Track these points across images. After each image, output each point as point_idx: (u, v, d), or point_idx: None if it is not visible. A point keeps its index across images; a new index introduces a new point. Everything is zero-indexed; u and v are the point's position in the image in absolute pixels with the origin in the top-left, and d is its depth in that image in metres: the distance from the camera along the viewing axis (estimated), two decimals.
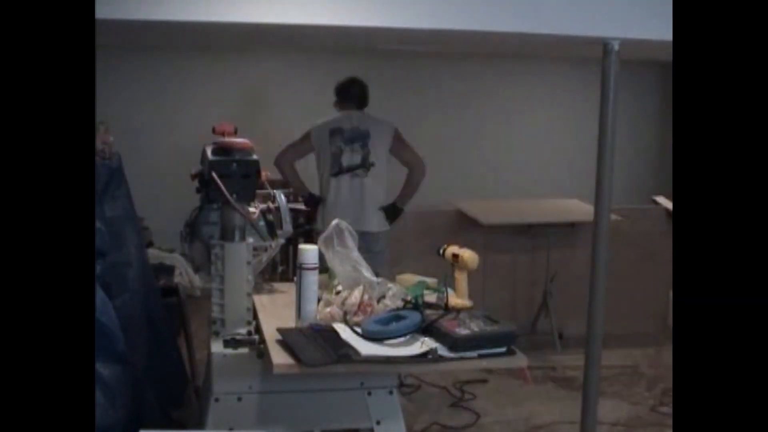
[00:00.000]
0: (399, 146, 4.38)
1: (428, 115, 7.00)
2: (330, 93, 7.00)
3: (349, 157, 4.28)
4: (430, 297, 2.70)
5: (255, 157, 2.60)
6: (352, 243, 2.73)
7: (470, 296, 2.80)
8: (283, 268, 3.52)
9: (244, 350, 2.47)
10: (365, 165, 4.27)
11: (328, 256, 2.71)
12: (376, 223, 4.31)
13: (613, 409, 4.05)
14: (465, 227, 5.09)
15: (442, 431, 3.81)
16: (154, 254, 5.20)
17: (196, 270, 2.78)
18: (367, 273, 2.66)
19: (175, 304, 4.96)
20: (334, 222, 2.77)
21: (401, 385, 3.96)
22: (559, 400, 4.14)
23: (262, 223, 2.72)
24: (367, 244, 4.18)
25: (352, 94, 4.43)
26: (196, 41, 6.05)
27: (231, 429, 2.41)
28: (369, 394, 2.48)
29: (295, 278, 2.61)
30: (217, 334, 2.58)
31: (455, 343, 2.27)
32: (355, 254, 2.72)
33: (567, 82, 7.30)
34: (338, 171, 4.29)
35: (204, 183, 2.61)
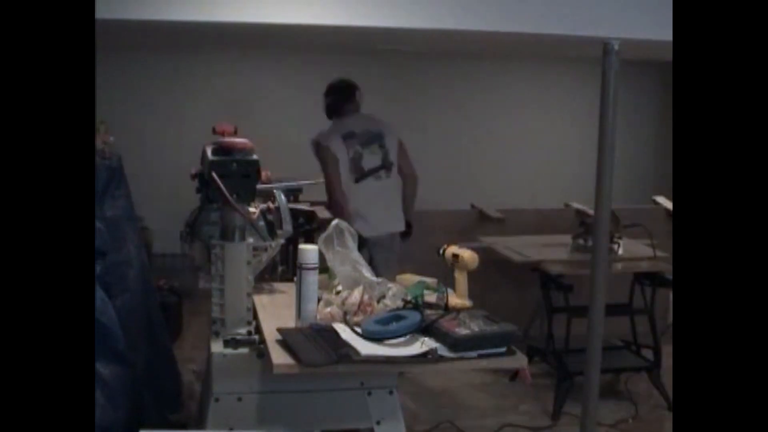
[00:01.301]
0: (401, 152, 4.33)
1: (428, 115, 7.00)
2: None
3: (370, 160, 4.21)
4: (430, 297, 2.70)
5: (255, 157, 2.60)
6: (352, 243, 2.74)
7: (470, 298, 2.80)
8: (283, 268, 3.52)
9: (244, 350, 2.47)
10: (386, 165, 4.22)
11: (328, 257, 2.71)
12: (400, 222, 4.29)
13: (613, 409, 4.06)
14: (465, 227, 5.09)
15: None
16: None
17: (197, 270, 2.77)
18: (367, 273, 2.66)
19: (174, 304, 4.98)
20: (334, 222, 2.77)
21: None
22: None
23: (262, 223, 2.72)
24: (391, 244, 4.24)
25: (351, 96, 4.37)
26: (196, 41, 6.04)
27: (231, 429, 2.41)
28: (369, 394, 2.48)
29: (295, 278, 2.61)
30: (217, 334, 2.58)
31: (455, 343, 2.27)
32: (355, 254, 2.72)
33: (567, 82, 7.30)
34: (361, 175, 4.20)
35: (204, 183, 2.61)
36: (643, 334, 4.31)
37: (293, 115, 6.64)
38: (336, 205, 4.17)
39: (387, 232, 4.23)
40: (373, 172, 4.20)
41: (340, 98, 4.39)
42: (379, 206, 4.21)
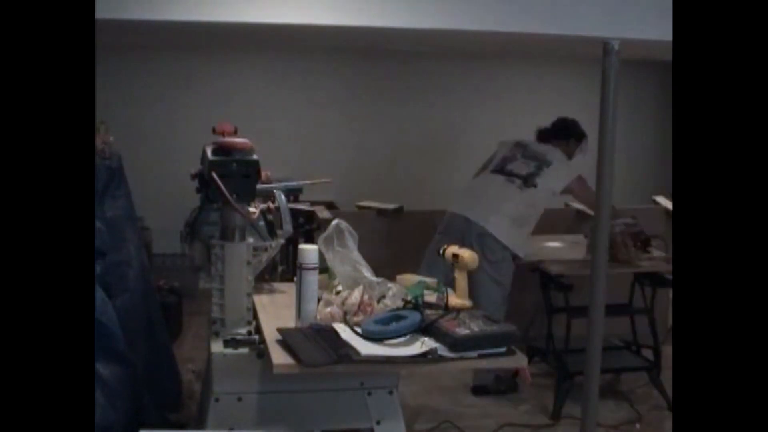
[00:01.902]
0: (579, 189, 4.24)
1: (427, 115, 6.99)
2: (329, 92, 7.01)
3: (518, 165, 4.22)
4: (430, 297, 2.70)
5: (255, 157, 2.60)
6: (352, 243, 2.73)
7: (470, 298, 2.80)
8: (283, 268, 3.52)
9: (244, 350, 2.47)
10: (527, 181, 4.15)
11: (328, 257, 2.71)
12: (503, 230, 4.03)
13: (613, 410, 4.06)
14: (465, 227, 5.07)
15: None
16: None
17: (196, 270, 2.77)
18: (366, 273, 2.66)
19: (174, 304, 4.98)
20: (334, 222, 2.77)
21: None
22: None
23: (262, 223, 2.72)
24: (483, 244, 3.98)
25: (565, 139, 4.42)
26: (196, 41, 6.04)
27: (231, 429, 2.41)
28: (369, 394, 2.48)
29: (295, 278, 2.61)
30: (217, 334, 2.58)
31: (455, 343, 2.27)
32: (355, 254, 2.72)
33: (567, 82, 7.30)
34: (499, 170, 4.25)
35: (204, 183, 2.61)
36: (643, 335, 4.31)
37: (293, 115, 6.65)
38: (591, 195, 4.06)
39: (476, 221, 4.07)
40: (511, 175, 4.20)
41: (553, 130, 4.46)
42: (485, 198, 4.15)
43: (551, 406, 4.02)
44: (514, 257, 4.11)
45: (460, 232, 4.06)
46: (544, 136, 4.46)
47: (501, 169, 4.26)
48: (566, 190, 4.29)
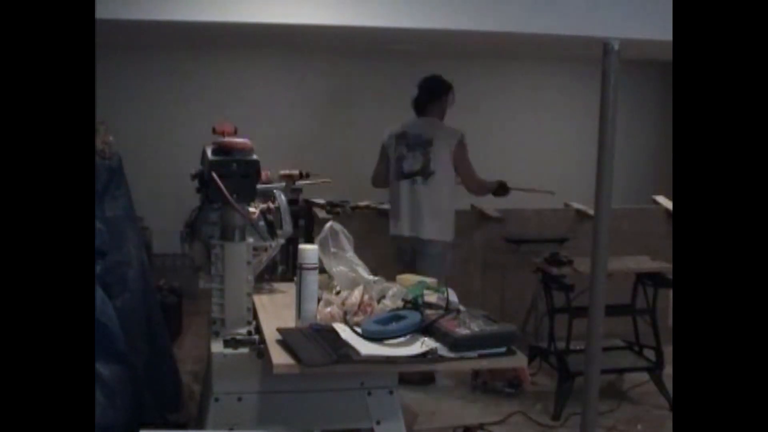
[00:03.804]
0: (458, 157, 4.35)
1: None
2: (329, 92, 7.00)
3: (410, 163, 4.31)
4: (430, 297, 2.70)
5: (255, 157, 2.60)
6: (347, 244, 2.74)
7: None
8: (283, 268, 3.52)
9: (244, 350, 2.47)
10: (424, 173, 4.28)
11: (325, 260, 2.71)
12: (433, 231, 4.30)
13: (615, 410, 4.06)
14: (465, 227, 5.09)
15: None
16: None
17: (196, 270, 2.77)
18: (363, 272, 2.66)
19: (174, 304, 4.98)
20: (328, 224, 2.77)
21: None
22: None
23: (262, 223, 2.72)
24: (422, 248, 4.32)
25: (436, 97, 4.42)
26: (196, 41, 6.04)
27: (231, 429, 2.41)
28: (369, 394, 2.48)
29: (295, 278, 2.61)
30: (217, 334, 2.58)
31: (455, 343, 2.27)
32: (350, 254, 2.72)
33: (567, 82, 7.29)
34: (399, 176, 4.35)
35: (204, 183, 2.61)
36: (645, 335, 4.31)
37: (293, 115, 6.64)
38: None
39: (413, 235, 4.33)
40: (410, 176, 4.30)
41: (424, 96, 4.44)
42: (406, 209, 4.33)
43: (552, 407, 4.02)
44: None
45: (409, 250, 4.38)
46: (420, 106, 4.44)
47: (401, 173, 4.35)
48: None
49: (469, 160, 4.40)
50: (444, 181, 4.31)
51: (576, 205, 5.39)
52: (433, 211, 4.30)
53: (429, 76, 4.49)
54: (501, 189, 4.65)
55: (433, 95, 4.42)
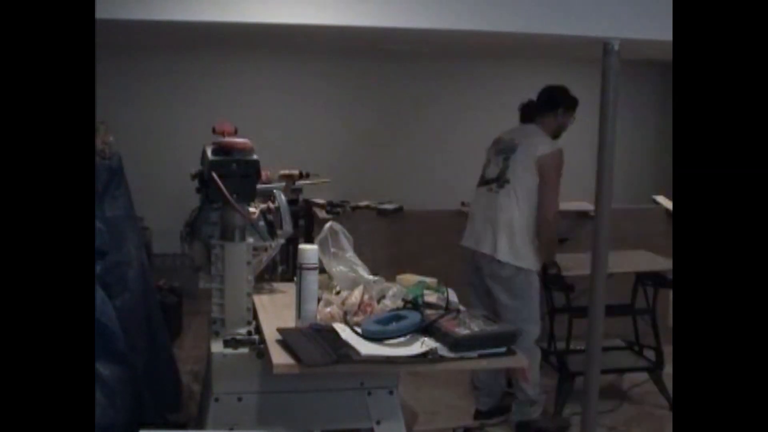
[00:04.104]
0: (543, 171, 3.72)
1: (429, 116, 7.00)
2: (329, 93, 6.99)
3: (491, 169, 3.87)
4: (431, 297, 2.70)
5: (255, 157, 2.60)
6: (347, 244, 2.74)
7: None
8: (283, 268, 3.52)
9: (244, 350, 2.47)
10: (500, 179, 3.78)
11: (325, 260, 2.71)
12: (502, 249, 3.70)
13: (615, 410, 4.06)
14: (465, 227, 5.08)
15: None
16: None
17: (196, 270, 2.77)
18: (363, 272, 2.66)
19: (174, 304, 4.98)
20: (328, 224, 2.77)
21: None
22: None
23: (262, 223, 2.72)
24: (492, 269, 3.73)
25: (547, 110, 3.91)
26: (195, 41, 6.03)
27: (231, 429, 2.41)
28: (369, 394, 2.48)
29: (295, 278, 2.61)
30: (217, 334, 2.58)
31: (455, 343, 2.27)
32: (350, 254, 2.72)
33: (567, 82, 7.29)
34: (480, 182, 3.92)
35: (204, 183, 2.61)
36: (645, 335, 4.31)
37: (293, 115, 6.64)
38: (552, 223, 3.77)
39: (479, 250, 3.78)
40: (488, 182, 3.85)
41: (537, 104, 3.97)
42: (478, 219, 3.84)
43: (553, 407, 4.02)
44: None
45: (473, 266, 3.83)
46: (526, 113, 4.00)
47: (481, 180, 3.94)
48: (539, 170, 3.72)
49: (555, 181, 3.71)
50: (521, 192, 3.72)
51: (576, 205, 5.39)
52: (505, 224, 3.71)
53: (555, 86, 3.99)
54: (555, 265, 3.86)
55: (545, 105, 3.91)
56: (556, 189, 3.73)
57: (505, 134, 3.97)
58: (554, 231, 3.83)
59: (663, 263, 4.24)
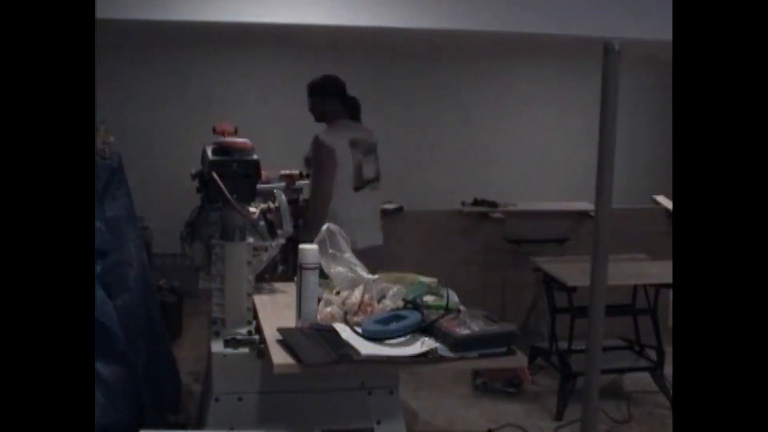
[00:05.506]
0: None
1: (428, 115, 7.00)
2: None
3: (368, 170, 4.11)
4: (430, 297, 2.70)
5: (255, 157, 2.60)
6: (344, 245, 2.73)
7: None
8: (283, 268, 3.52)
9: (244, 350, 2.47)
10: (378, 178, 4.13)
11: (323, 262, 2.70)
12: (381, 236, 4.15)
13: (616, 409, 4.06)
14: (466, 227, 5.09)
15: None
16: None
17: (196, 270, 2.77)
18: (362, 272, 2.66)
19: (174, 304, 4.98)
20: (325, 226, 2.75)
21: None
22: None
23: (262, 223, 2.72)
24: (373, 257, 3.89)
25: (353, 104, 4.19)
26: (196, 41, 6.04)
27: (231, 429, 2.41)
28: (369, 394, 2.48)
29: (295, 278, 2.61)
30: (217, 334, 2.58)
31: (455, 343, 2.27)
32: (348, 255, 2.72)
33: (567, 81, 7.30)
34: (360, 185, 4.05)
35: (204, 183, 2.61)
36: (646, 335, 4.31)
37: (294, 115, 6.63)
38: (319, 207, 3.96)
39: (374, 244, 4.03)
40: (370, 182, 4.11)
41: (332, 100, 4.12)
42: (368, 217, 4.10)
43: (554, 407, 4.02)
44: None
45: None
46: (352, 111, 4.18)
47: (362, 182, 4.06)
48: None
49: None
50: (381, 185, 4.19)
51: (576, 205, 5.40)
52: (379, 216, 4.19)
53: (318, 80, 4.12)
54: None
55: (336, 97, 4.14)
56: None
57: (357, 133, 4.08)
58: None
59: (658, 276, 4.21)
